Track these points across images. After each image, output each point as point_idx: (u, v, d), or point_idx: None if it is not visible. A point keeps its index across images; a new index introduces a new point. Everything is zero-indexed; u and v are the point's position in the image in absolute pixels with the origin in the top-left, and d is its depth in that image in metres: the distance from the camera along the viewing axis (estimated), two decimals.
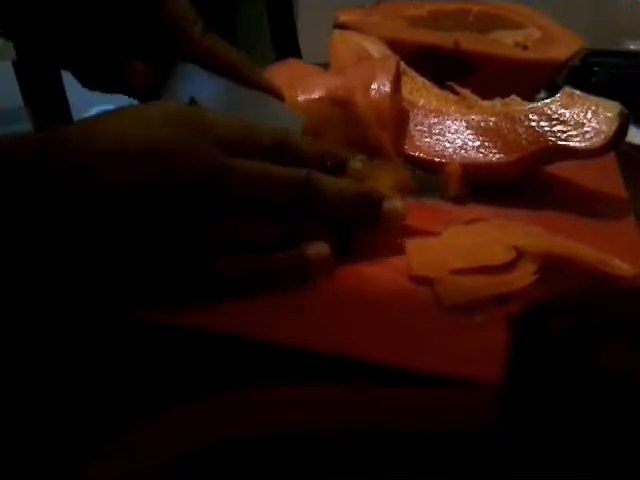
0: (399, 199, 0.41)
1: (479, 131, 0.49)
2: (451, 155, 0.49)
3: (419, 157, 0.49)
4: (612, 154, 0.56)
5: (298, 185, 0.37)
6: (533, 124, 0.48)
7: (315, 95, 0.46)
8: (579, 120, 0.47)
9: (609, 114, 0.46)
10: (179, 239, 0.34)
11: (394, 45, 0.61)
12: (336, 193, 0.38)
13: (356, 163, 0.41)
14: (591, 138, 0.46)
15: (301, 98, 0.46)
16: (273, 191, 0.36)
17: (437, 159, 0.49)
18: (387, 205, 0.40)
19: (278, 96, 0.45)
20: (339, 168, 0.41)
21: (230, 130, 0.37)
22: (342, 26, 0.67)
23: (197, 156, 0.34)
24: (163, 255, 0.34)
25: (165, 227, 0.34)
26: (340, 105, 0.45)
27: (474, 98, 0.53)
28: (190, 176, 0.34)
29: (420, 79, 0.55)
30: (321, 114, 0.44)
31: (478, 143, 0.49)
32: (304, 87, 0.46)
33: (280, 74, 0.48)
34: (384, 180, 0.42)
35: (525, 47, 0.69)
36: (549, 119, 0.48)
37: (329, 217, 0.39)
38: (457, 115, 0.50)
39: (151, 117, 0.36)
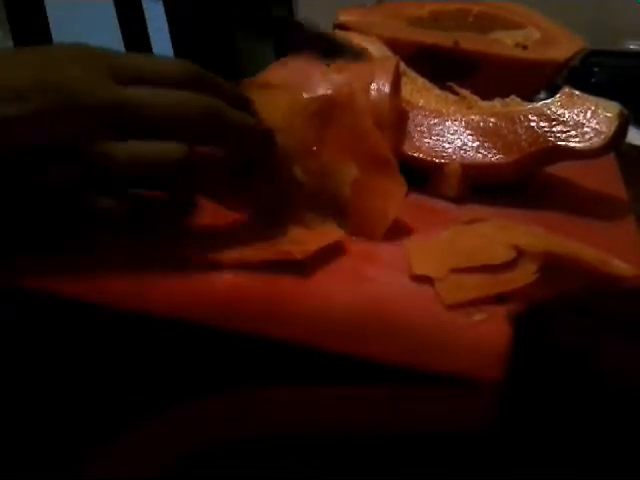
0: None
1: (479, 131, 0.49)
2: (451, 156, 0.49)
3: (419, 158, 0.49)
4: (612, 155, 0.56)
5: (199, 111, 0.36)
6: (533, 124, 0.48)
7: (318, 94, 0.45)
8: (579, 120, 0.47)
9: (609, 114, 0.47)
10: (64, 173, 0.34)
11: (394, 45, 0.61)
12: (239, 122, 0.38)
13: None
14: (591, 138, 0.46)
15: (304, 96, 0.45)
16: (170, 116, 0.36)
17: (437, 159, 0.49)
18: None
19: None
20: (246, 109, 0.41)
21: (130, 62, 0.37)
22: (342, 26, 0.67)
23: (86, 87, 0.34)
24: (46, 192, 0.34)
25: (52, 159, 0.34)
26: (341, 106, 0.45)
27: (474, 99, 0.53)
28: (79, 107, 0.34)
29: (420, 80, 0.55)
30: (322, 114, 0.44)
31: (478, 143, 0.49)
32: (307, 86, 0.46)
33: (284, 71, 0.48)
34: (380, 189, 0.42)
35: (525, 47, 0.69)
36: (549, 119, 0.48)
37: (229, 149, 0.38)
38: (457, 116, 0.50)
39: (45, 54, 0.36)
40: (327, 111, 0.44)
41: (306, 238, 0.39)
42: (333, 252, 0.39)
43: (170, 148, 0.35)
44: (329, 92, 0.45)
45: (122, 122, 0.34)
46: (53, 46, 0.37)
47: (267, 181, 0.42)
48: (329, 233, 0.40)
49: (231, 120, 0.38)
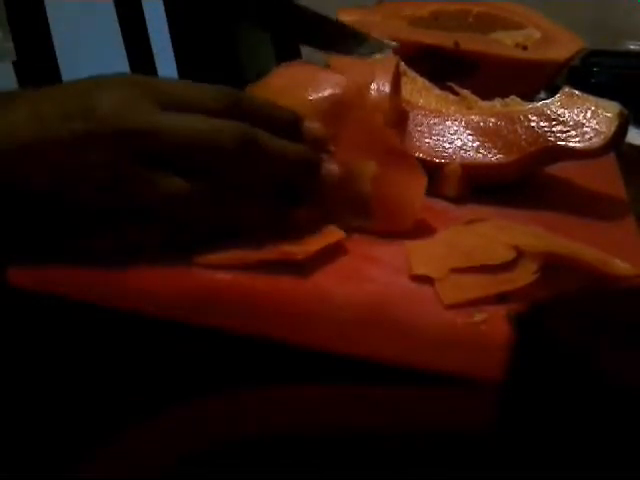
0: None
1: (479, 132, 0.49)
2: (451, 156, 0.49)
3: (419, 158, 0.49)
4: (612, 154, 0.56)
5: (233, 140, 0.36)
6: (533, 124, 0.48)
7: (327, 94, 0.45)
8: (578, 120, 0.47)
9: (608, 114, 0.47)
10: (101, 201, 0.34)
11: None
12: (277, 151, 0.37)
13: (313, 124, 0.41)
14: (590, 138, 0.46)
15: (312, 97, 0.45)
16: (204, 145, 0.35)
17: (437, 159, 0.49)
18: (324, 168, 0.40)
19: None
20: (294, 132, 0.40)
21: (173, 88, 0.36)
22: None
23: (127, 112, 0.34)
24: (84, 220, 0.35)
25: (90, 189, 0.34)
26: (351, 104, 0.44)
27: (474, 99, 0.53)
28: (113, 132, 0.34)
29: (420, 80, 0.55)
30: (333, 113, 0.44)
31: (478, 143, 0.49)
32: (314, 87, 0.46)
33: (287, 74, 0.48)
34: (401, 181, 0.42)
35: (525, 48, 0.69)
36: (549, 119, 0.48)
37: (266, 180, 0.38)
38: (457, 116, 0.50)
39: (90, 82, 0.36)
40: (338, 110, 0.44)
41: (306, 238, 0.39)
42: (333, 252, 0.39)
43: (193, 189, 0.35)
44: (337, 91, 0.44)
45: (154, 147, 0.34)
46: (101, 77, 0.37)
47: (311, 207, 0.41)
48: (330, 233, 0.40)
49: (268, 149, 0.37)
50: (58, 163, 0.33)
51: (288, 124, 0.40)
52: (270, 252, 0.38)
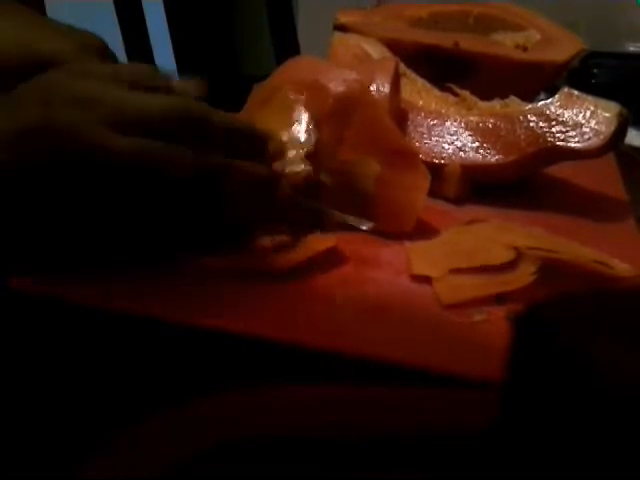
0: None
1: (478, 132, 0.49)
2: (450, 156, 0.49)
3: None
4: (611, 155, 0.56)
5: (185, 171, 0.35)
6: (532, 125, 0.48)
7: (330, 93, 0.45)
8: (578, 121, 0.47)
9: (608, 115, 0.47)
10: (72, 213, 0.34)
11: (394, 46, 0.61)
12: (248, 176, 0.37)
13: (275, 143, 0.40)
14: (590, 139, 0.46)
15: (318, 97, 0.45)
16: (157, 174, 0.35)
17: (437, 160, 0.49)
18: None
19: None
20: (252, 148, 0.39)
21: (124, 107, 0.35)
22: (342, 27, 0.67)
23: (69, 134, 0.33)
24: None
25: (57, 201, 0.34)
26: (356, 102, 0.44)
27: (473, 99, 0.53)
28: (60, 155, 0.33)
29: (420, 81, 0.55)
30: (339, 112, 0.44)
31: (477, 144, 0.49)
32: (318, 85, 0.45)
33: (294, 70, 0.48)
34: (404, 182, 0.42)
35: (525, 49, 0.69)
36: (548, 120, 0.48)
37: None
38: (456, 116, 0.51)
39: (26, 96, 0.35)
40: (343, 109, 0.43)
41: (295, 246, 0.39)
42: (333, 252, 0.39)
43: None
44: (342, 90, 0.44)
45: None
46: (50, 84, 0.36)
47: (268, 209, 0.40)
48: (319, 242, 0.39)
49: (237, 175, 0.36)
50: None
51: (245, 140, 0.39)
52: (256, 260, 0.37)
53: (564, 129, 0.47)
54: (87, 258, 0.36)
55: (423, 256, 0.39)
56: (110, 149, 0.34)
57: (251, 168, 0.37)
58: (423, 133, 0.50)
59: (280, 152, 0.41)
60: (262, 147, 0.39)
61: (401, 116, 0.50)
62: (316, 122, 0.43)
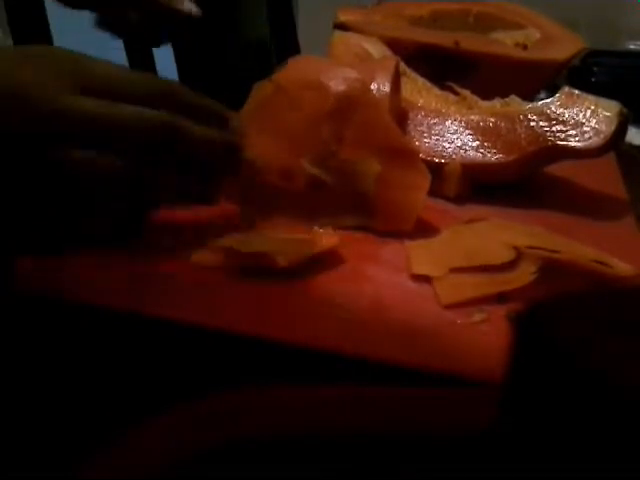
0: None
1: (479, 131, 0.49)
2: (451, 155, 0.49)
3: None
4: (612, 154, 0.56)
5: (153, 128, 0.36)
6: (532, 124, 0.48)
7: (331, 92, 0.45)
8: (578, 120, 0.47)
9: (608, 113, 0.47)
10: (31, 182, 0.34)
11: (394, 45, 0.61)
12: (198, 137, 0.38)
13: (235, 121, 0.41)
14: (590, 138, 0.46)
15: (320, 96, 0.44)
16: (118, 132, 0.35)
17: (437, 159, 0.49)
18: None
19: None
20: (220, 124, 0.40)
21: (103, 73, 0.36)
22: (342, 26, 0.67)
23: (32, 94, 0.34)
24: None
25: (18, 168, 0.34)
26: (357, 101, 0.44)
27: (474, 98, 0.53)
28: (26, 115, 0.33)
29: (420, 80, 0.55)
30: (339, 112, 0.44)
31: (478, 143, 0.49)
32: (319, 84, 0.45)
33: (295, 70, 0.48)
34: (405, 181, 0.42)
35: (525, 47, 0.69)
36: (548, 119, 0.48)
37: (186, 163, 0.38)
38: (457, 115, 0.50)
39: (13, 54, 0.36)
40: (343, 108, 0.43)
41: (296, 245, 0.39)
42: (333, 251, 0.39)
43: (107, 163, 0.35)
44: (343, 89, 0.44)
45: (62, 132, 0.34)
46: (24, 48, 0.37)
47: (245, 189, 0.42)
48: (321, 240, 0.39)
49: (188, 136, 0.37)
50: None
51: (215, 116, 0.40)
52: (253, 256, 0.37)
53: (564, 128, 0.47)
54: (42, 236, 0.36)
55: (423, 255, 0.39)
56: (73, 107, 0.34)
57: (211, 132, 0.38)
58: (423, 132, 0.50)
59: (240, 131, 0.41)
60: (223, 120, 0.40)
61: (401, 115, 0.50)
62: (316, 121, 0.43)
